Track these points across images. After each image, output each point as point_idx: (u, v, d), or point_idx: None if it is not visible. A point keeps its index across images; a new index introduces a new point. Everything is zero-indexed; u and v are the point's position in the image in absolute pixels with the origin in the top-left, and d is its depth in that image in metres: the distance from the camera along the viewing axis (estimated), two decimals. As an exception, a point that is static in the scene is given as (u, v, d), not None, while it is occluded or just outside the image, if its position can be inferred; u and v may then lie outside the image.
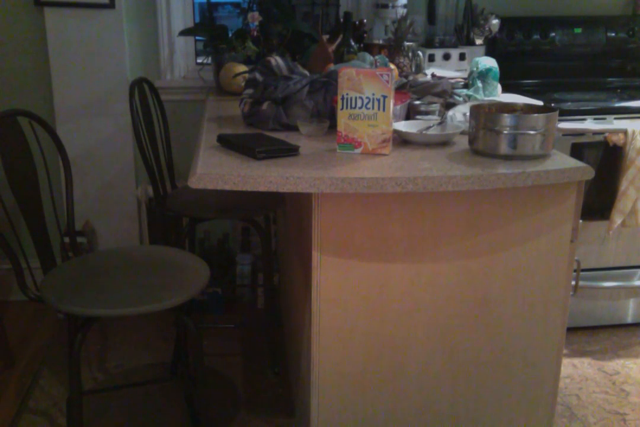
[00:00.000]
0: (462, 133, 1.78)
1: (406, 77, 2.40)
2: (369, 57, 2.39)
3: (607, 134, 2.53)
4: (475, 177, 1.51)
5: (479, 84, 2.28)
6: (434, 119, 1.88)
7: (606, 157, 2.58)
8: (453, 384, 1.76)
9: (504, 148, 1.61)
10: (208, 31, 2.76)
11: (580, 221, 1.70)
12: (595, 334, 2.84)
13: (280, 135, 1.81)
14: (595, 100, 2.73)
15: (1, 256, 1.83)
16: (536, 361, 1.78)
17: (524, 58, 3.04)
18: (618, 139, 2.52)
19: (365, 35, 2.73)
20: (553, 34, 3.02)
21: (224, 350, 2.72)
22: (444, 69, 2.70)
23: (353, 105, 1.63)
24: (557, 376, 1.81)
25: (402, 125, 1.82)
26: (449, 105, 2.05)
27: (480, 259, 1.65)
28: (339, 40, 2.52)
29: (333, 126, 1.77)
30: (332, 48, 2.52)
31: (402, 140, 1.79)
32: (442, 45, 2.82)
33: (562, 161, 1.63)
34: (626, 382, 2.50)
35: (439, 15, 2.91)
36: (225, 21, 2.95)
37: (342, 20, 2.56)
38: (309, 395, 1.73)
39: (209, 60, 2.84)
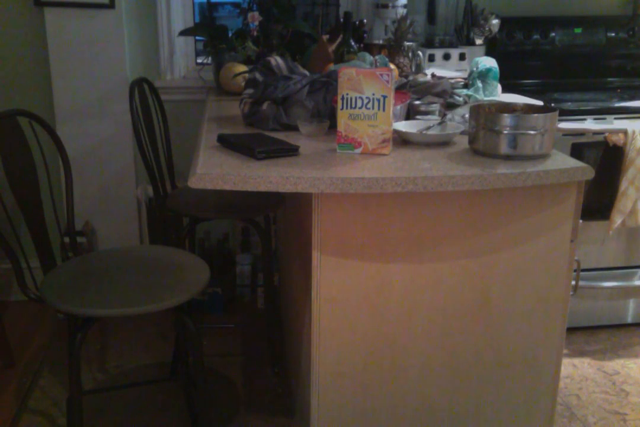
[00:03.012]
0: (462, 133, 1.79)
1: (406, 77, 2.40)
2: (369, 57, 2.39)
3: (607, 134, 2.53)
4: (475, 177, 1.51)
5: (479, 84, 2.28)
6: (434, 119, 1.88)
7: (606, 157, 2.57)
8: (453, 384, 1.76)
9: (504, 148, 1.61)
10: (208, 31, 2.76)
11: (580, 221, 1.70)
12: (595, 334, 2.84)
13: (280, 135, 1.81)
14: (595, 100, 2.73)
15: (1, 256, 1.83)
16: (536, 361, 1.78)
17: (524, 58, 3.04)
18: (618, 139, 2.52)
19: (365, 35, 2.73)
20: (553, 34, 3.02)
21: (224, 350, 2.72)
22: (444, 69, 2.70)
23: (353, 105, 1.63)
24: (557, 376, 1.81)
25: (402, 125, 1.82)
26: (449, 106, 2.05)
27: (480, 259, 1.65)
28: (339, 40, 2.52)
29: (333, 126, 1.77)
30: (332, 48, 2.52)
31: (402, 140, 1.79)
32: (442, 45, 2.82)
33: (562, 161, 1.63)
34: (626, 382, 2.50)
35: (439, 15, 2.91)
36: (225, 21, 2.95)
37: (342, 20, 2.56)
38: (309, 395, 1.73)
39: (209, 60, 2.84)
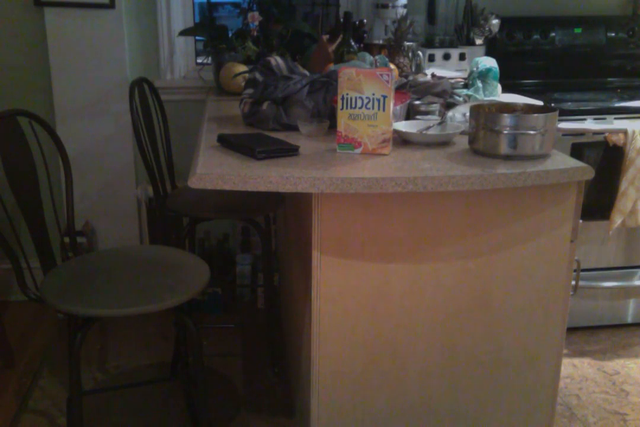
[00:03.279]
0: (462, 133, 1.79)
1: (406, 77, 2.40)
2: (369, 57, 2.39)
3: (607, 134, 2.53)
4: (475, 177, 1.51)
5: (479, 84, 2.28)
6: (434, 119, 1.88)
7: (606, 157, 2.58)
8: (453, 384, 1.76)
9: (504, 148, 1.61)
10: (208, 31, 2.76)
11: (580, 220, 1.70)
12: (595, 334, 2.84)
13: (280, 135, 1.81)
14: (595, 100, 2.73)
15: (1, 256, 1.83)
16: (536, 361, 1.78)
17: (524, 58, 3.04)
18: (618, 139, 2.52)
19: (365, 35, 2.73)
20: (553, 34, 3.02)
21: (224, 350, 2.72)
22: (444, 69, 2.70)
23: (353, 105, 1.63)
24: (557, 376, 1.81)
25: (402, 125, 1.82)
26: (449, 105, 2.05)
27: (480, 259, 1.65)
28: (339, 40, 2.52)
29: (333, 126, 1.77)
30: (332, 48, 2.52)
31: (402, 140, 1.79)
32: (442, 45, 2.82)
33: (562, 161, 1.63)
34: (626, 382, 2.50)
35: (439, 15, 2.91)
36: (225, 21, 2.95)
37: (342, 20, 2.56)
38: (309, 395, 1.73)
39: (209, 60, 2.84)
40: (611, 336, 2.83)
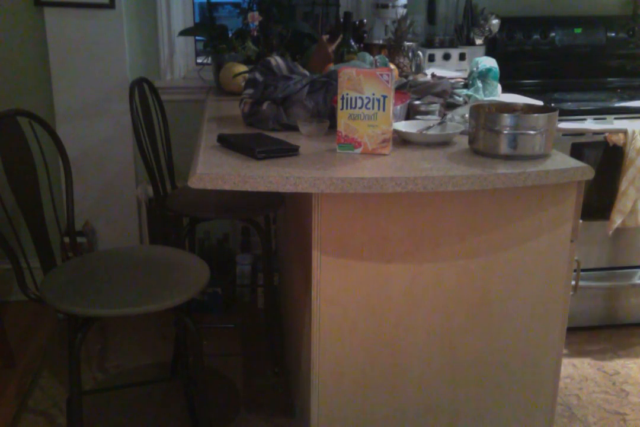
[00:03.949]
0: (462, 133, 1.79)
1: (406, 77, 2.40)
2: (369, 57, 2.39)
3: (607, 134, 2.53)
4: (475, 177, 1.51)
5: (479, 84, 2.28)
6: (434, 119, 1.88)
7: (606, 157, 2.58)
8: (453, 384, 1.76)
9: (504, 148, 1.61)
10: (208, 31, 2.76)
11: (580, 220, 1.70)
12: (595, 334, 2.84)
13: (280, 135, 1.81)
14: (595, 100, 2.73)
15: (1, 256, 1.83)
16: (536, 361, 1.78)
17: (524, 58, 3.04)
18: (618, 139, 2.52)
19: (365, 35, 2.73)
20: (553, 34, 3.02)
21: (224, 350, 2.72)
22: (444, 69, 2.70)
23: (353, 105, 1.63)
24: (557, 376, 1.81)
25: (402, 125, 1.82)
26: (449, 106, 2.05)
27: (480, 259, 1.65)
28: (339, 40, 2.52)
29: (333, 126, 1.77)
30: (332, 48, 2.52)
31: (402, 140, 1.79)
32: (442, 45, 2.82)
33: (562, 161, 1.63)
34: (626, 382, 2.50)
35: (439, 15, 2.91)
36: (225, 21, 2.95)
37: (342, 20, 2.56)
38: (309, 395, 1.73)
39: (209, 60, 2.84)
40: (611, 336, 2.83)
